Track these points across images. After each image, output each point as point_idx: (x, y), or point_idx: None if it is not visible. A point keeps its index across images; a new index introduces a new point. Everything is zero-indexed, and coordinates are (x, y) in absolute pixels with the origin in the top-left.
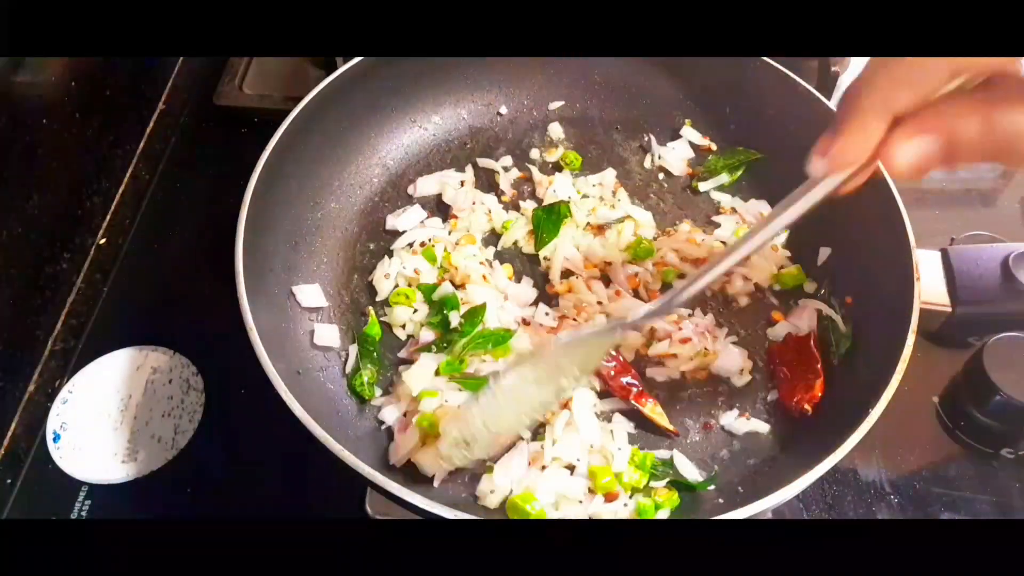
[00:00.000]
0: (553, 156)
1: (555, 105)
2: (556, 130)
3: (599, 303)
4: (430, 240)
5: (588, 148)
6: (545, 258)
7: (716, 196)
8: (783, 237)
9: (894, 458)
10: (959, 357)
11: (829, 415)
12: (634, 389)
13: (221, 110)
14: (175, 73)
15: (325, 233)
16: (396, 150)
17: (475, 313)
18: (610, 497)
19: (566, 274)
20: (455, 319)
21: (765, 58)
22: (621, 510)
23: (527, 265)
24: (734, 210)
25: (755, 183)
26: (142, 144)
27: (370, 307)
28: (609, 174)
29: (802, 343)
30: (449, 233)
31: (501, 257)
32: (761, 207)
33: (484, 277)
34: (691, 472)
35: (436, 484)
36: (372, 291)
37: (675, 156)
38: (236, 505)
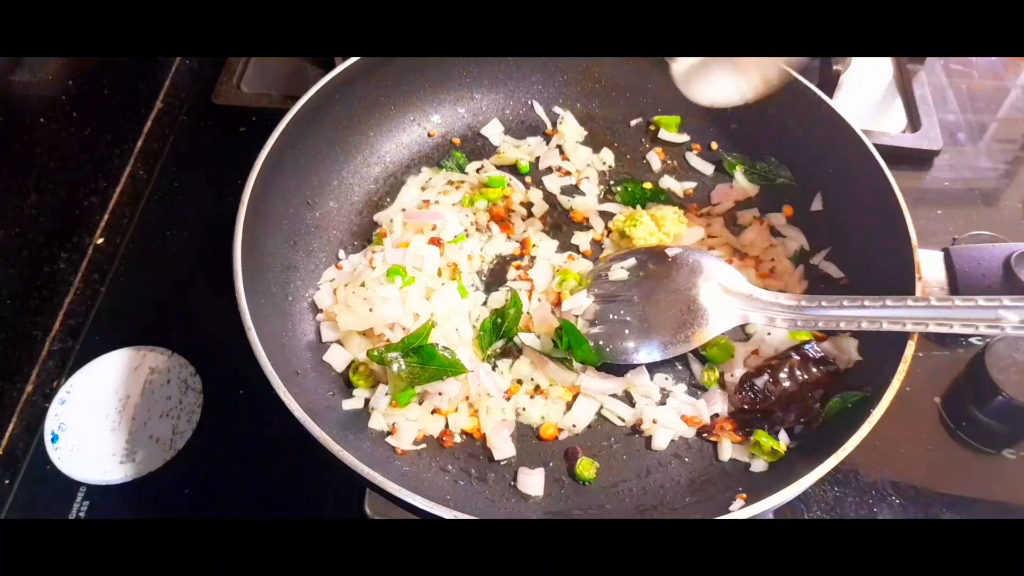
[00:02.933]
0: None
1: (556, 105)
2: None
3: None
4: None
5: (590, 147)
6: None
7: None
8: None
9: (896, 459)
10: (961, 358)
11: (830, 416)
12: None
13: (219, 109)
14: (173, 72)
15: (324, 232)
16: (395, 149)
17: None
18: None
19: None
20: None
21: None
22: None
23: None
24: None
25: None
26: (140, 143)
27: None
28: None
29: None
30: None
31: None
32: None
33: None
34: None
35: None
36: None
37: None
38: (235, 505)
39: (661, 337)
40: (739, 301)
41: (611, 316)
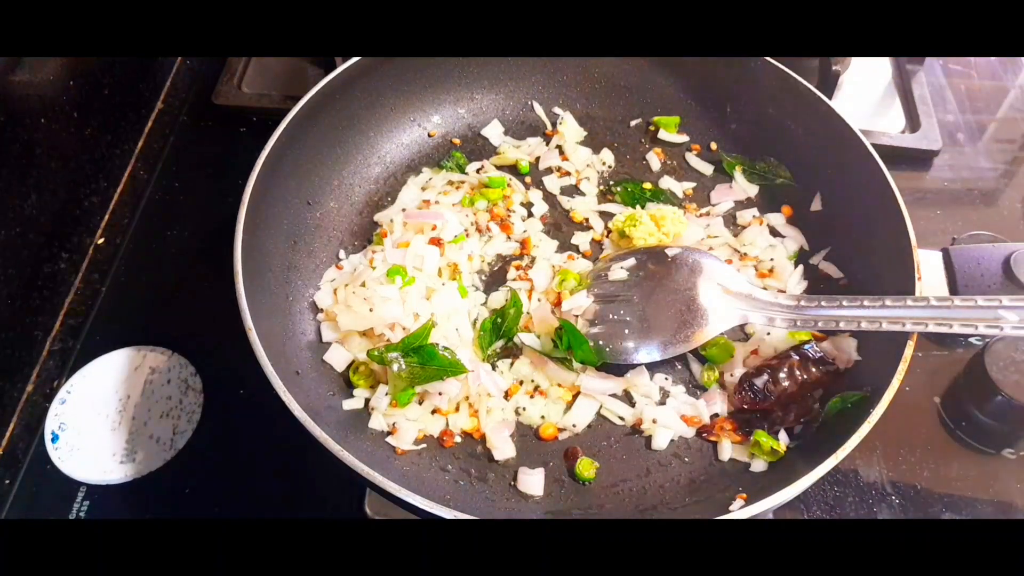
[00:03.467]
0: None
1: (556, 105)
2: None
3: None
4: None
5: (590, 147)
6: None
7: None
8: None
9: (895, 458)
10: (960, 358)
11: (830, 416)
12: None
13: (220, 109)
14: (173, 72)
15: (324, 232)
16: (395, 149)
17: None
18: None
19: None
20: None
21: (766, 57)
22: None
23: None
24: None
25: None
26: (140, 143)
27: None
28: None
29: None
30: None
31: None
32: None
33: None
34: None
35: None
36: None
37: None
38: (235, 505)
39: (661, 337)
40: (739, 301)
41: (611, 316)
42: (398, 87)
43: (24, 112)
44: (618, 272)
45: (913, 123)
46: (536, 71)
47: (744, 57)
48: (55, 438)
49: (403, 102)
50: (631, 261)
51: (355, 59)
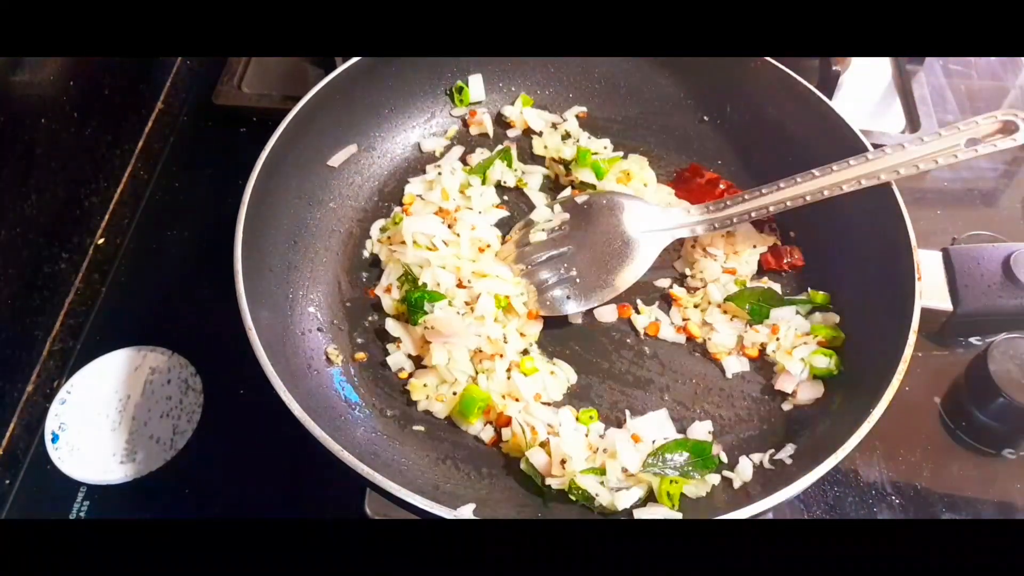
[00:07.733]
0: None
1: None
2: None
3: None
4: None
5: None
6: None
7: None
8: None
9: (895, 459)
10: (960, 358)
11: (831, 414)
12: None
13: (220, 109)
14: (174, 72)
15: (325, 232)
16: (396, 149)
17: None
18: None
19: None
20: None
21: (766, 57)
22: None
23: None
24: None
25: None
26: (140, 144)
27: None
28: None
29: None
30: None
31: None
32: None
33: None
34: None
35: None
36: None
37: None
38: (235, 505)
39: (606, 278)
40: (660, 225)
41: (551, 277)
42: (398, 87)
43: (24, 112)
44: (538, 235)
45: (913, 123)
46: (536, 71)
47: (744, 57)
48: (55, 438)
49: (403, 102)
50: (551, 223)
51: (355, 59)
